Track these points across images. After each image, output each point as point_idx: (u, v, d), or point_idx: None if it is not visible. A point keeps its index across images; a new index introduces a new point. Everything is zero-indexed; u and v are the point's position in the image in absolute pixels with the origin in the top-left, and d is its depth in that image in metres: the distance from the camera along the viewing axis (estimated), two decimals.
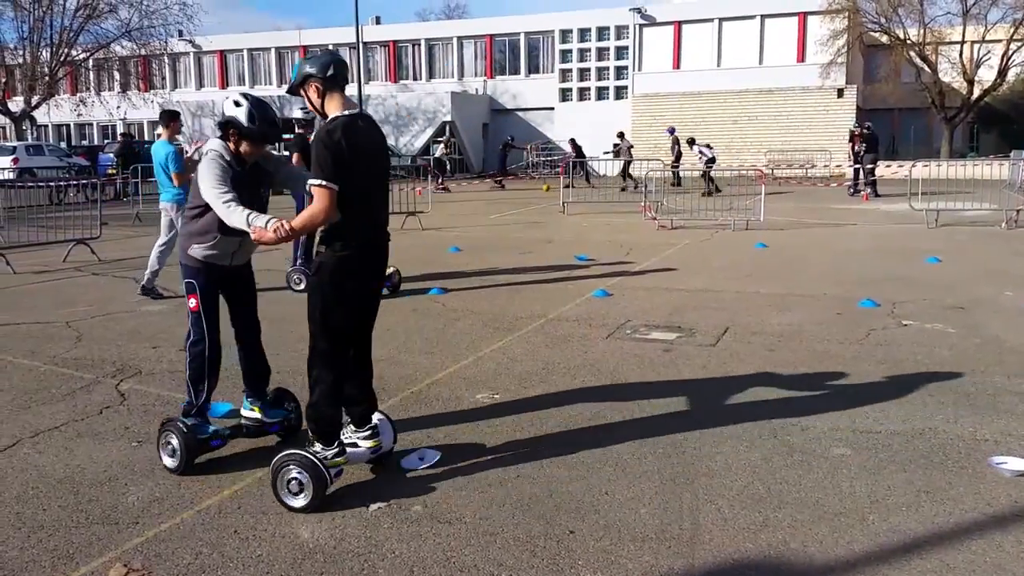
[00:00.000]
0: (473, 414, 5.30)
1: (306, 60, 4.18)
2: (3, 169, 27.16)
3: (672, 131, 28.84)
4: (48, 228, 13.80)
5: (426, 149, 41.86)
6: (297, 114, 10.24)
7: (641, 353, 6.74)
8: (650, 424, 5.06)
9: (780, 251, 12.76)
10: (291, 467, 3.97)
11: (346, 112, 4.11)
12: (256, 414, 4.83)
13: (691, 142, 27.42)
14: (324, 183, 3.93)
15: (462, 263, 11.85)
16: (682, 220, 16.51)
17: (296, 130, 10.27)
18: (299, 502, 3.96)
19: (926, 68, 37.30)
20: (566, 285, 9.97)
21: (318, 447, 4.15)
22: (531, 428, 5.03)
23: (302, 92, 4.20)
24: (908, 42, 37.11)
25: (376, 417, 4.49)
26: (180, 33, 41.30)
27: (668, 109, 39.67)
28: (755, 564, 3.45)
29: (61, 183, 22.64)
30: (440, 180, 29.41)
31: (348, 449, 4.30)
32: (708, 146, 26.21)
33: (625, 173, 27.86)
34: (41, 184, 22.13)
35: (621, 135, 30.28)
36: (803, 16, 39.78)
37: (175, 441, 4.39)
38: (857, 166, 25.22)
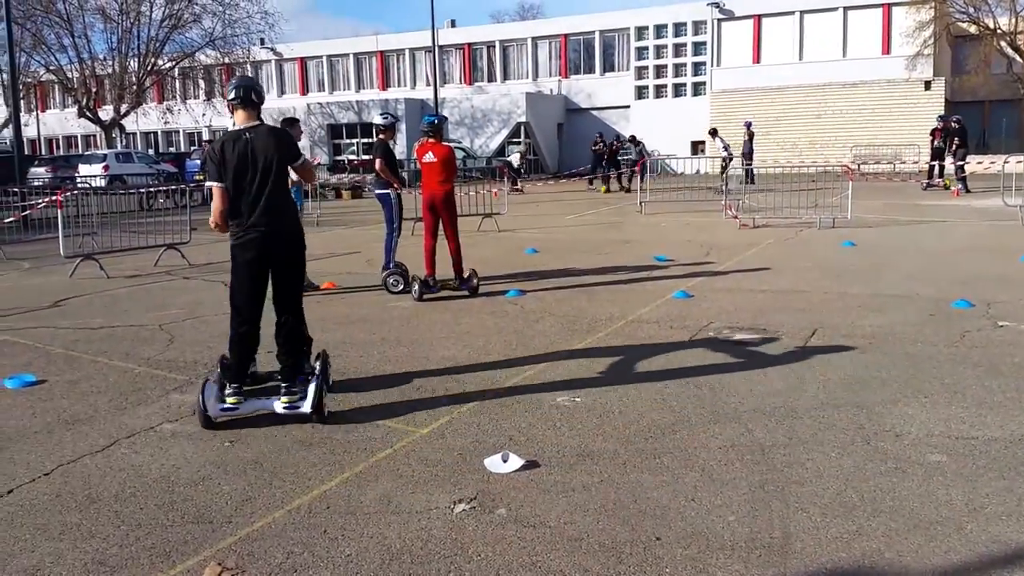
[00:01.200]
0: (554, 417, 5.29)
1: (228, 85, 5.48)
2: (94, 176, 28.27)
3: (748, 125, 28.38)
4: (139, 233, 14.24)
5: (501, 150, 42.07)
6: (377, 120, 10.34)
7: (724, 356, 6.63)
8: (736, 429, 4.96)
9: (869, 250, 12.42)
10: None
11: (239, 127, 5.27)
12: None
13: (713, 133, 27.10)
14: (211, 183, 5.23)
15: (539, 265, 11.85)
16: (764, 219, 16.20)
17: (377, 136, 10.39)
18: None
19: (1018, 58, 35.88)
20: (645, 286, 9.88)
21: (225, 384, 5.35)
22: (613, 432, 4.99)
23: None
24: (999, 32, 35.78)
25: (307, 381, 5.35)
26: (262, 41, 42.57)
27: (748, 104, 39.08)
28: (849, 574, 3.35)
29: (151, 189, 23.46)
30: (515, 182, 29.50)
31: (263, 399, 5.41)
32: (739, 141, 26.38)
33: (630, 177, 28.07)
34: (131, 191, 22.98)
35: (632, 138, 30.43)
36: (887, 7, 38.77)
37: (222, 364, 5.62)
38: (933, 163, 24.45)
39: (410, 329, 7.93)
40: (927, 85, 37.23)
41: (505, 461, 4.51)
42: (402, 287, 9.74)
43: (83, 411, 5.67)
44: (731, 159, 25.30)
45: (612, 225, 17.57)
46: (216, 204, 5.22)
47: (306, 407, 5.23)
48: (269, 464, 4.62)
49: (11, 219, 15.58)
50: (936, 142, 24.78)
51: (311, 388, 5.27)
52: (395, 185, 10.09)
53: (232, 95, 5.27)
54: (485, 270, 10.35)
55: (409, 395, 5.81)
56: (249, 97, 5.29)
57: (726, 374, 6.12)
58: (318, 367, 5.52)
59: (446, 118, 10.92)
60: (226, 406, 5.28)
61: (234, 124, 5.43)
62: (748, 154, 26.78)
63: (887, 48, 38.88)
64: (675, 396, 5.63)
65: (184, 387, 6.16)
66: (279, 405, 5.30)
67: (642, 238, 14.85)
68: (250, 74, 48.67)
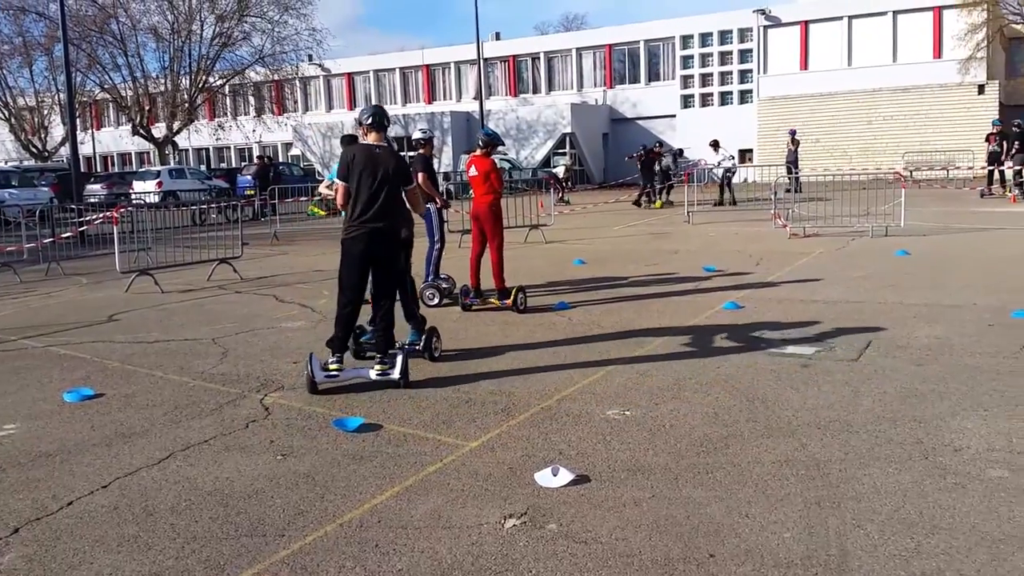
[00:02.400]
0: (604, 430, 5.25)
1: (362, 110, 6.66)
2: (148, 192, 28.86)
3: (793, 133, 27.97)
4: (192, 248, 14.50)
5: (547, 162, 42.08)
6: (417, 134, 10.38)
7: (777, 368, 6.53)
8: (790, 444, 4.88)
9: (924, 258, 12.16)
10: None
11: (370, 143, 6.50)
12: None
13: (715, 145, 25.92)
14: (338, 181, 6.45)
15: (587, 276, 11.81)
16: (815, 228, 15.97)
17: (418, 149, 10.43)
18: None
19: None
20: (694, 297, 9.79)
21: (328, 352, 6.33)
22: (664, 446, 4.94)
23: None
24: None
25: (393, 354, 6.31)
26: (310, 58, 43.08)
27: (796, 112, 38.63)
28: None
29: (203, 205, 23.89)
30: (561, 193, 29.35)
31: (360, 369, 6.47)
32: (732, 156, 25.82)
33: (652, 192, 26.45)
34: (184, 206, 23.43)
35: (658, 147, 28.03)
36: (938, 10, 38.03)
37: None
38: (991, 168, 23.85)
39: (458, 341, 7.94)
40: (980, 89, 36.45)
41: (555, 475, 4.48)
42: (437, 300, 9.78)
43: (139, 424, 5.77)
44: (734, 172, 24.96)
45: (660, 235, 17.45)
46: (339, 198, 6.54)
47: (395, 374, 6.20)
48: (320, 478, 4.66)
49: (68, 235, 15.96)
50: (991, 146, 24.20)
51: (399, 359, 6.24)
52: (436, 200, 10.10)
53: (369, 120, 6.52)
54: (532, 281, 10.34)
55: (458, 408, 5.82)
56: (381, 122, 6.57)
57: (779, 387, 6.03)
58: (414, 342, 6.70)
59: (501, 140, 10.66)
60: (329, 373, 6.20)
61: (364, 141, 6.58)
62: (794, 162, 26.34)
63: (938, 52, 38.13)
64: (727, 410, 5.56)
65: (237, 400, 6.24)
66: (373, 373, 6.27)
67: (691, 248, 14.74)
68: (299, 90, 49.56)
